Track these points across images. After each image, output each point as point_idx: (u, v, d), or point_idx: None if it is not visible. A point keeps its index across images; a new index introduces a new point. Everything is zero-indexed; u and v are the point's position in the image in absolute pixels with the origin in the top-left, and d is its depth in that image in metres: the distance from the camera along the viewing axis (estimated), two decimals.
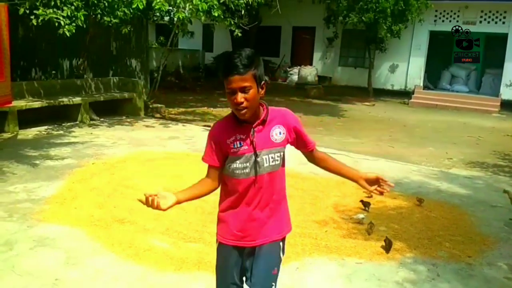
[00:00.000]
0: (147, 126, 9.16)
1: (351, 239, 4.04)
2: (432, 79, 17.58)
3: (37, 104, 8.16)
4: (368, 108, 14.16)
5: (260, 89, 1.93)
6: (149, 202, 1.95)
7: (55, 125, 8.45)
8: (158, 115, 10.55)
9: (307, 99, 15.39)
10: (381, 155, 7.55)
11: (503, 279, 3.50)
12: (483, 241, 4.18)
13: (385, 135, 9.61)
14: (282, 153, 2.05)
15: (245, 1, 8.96)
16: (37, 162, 6.03)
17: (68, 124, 8.68)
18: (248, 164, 2.00)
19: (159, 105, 11.03)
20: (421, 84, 16.80)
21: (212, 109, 12.19)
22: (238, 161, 2.00)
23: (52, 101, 8.42)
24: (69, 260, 3.44)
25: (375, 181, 2.12)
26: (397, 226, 4.40)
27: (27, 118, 7.97)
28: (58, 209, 4.42)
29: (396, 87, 17.30)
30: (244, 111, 1.90)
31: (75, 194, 4.82)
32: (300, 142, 2.12)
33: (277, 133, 2.02)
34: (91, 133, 8.05)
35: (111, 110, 9.88)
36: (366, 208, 4.69)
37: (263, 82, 1.95)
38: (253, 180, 2.02)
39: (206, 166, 2.12)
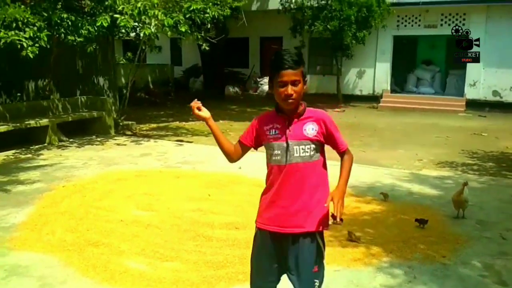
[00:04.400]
0: (118, 144, 9.03)
1: (328, 247, 4.00)
2: (398, 82, 17.98)
3: (3, 128, 7.94)
4: (338, 114, 14.34)
5: (304, 85, 2.20)
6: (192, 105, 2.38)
7: (23, 149, 8.23)
8: (129, 132, 10.42)
9: None
10: (353, 160, 7.62)
11: (477, 277, 3.58)
12: (456, 240, 4.27)
13: (356, 140, 9.73)
14: (313, 146, 2.24)
15: (211, 15, 8.98)
16: (6, 188, 5.86)
17: (37, 147, 8.48)
18: (280, 151, 2.24)
19: (129, 122, 10.90)
20: (389, 88, 17.14)
21: (184, 123, 12.12)
22: (272, 147, 2.26)
23: (18, 124, 8.22)
24: None
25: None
26: (373, 231, 4.45)
27: None
28: (29, 236, 4.30)
29: (364, 92, 17.60)
30: (291, 101, 2.17)
31: (46, 219, 4.70)
32: (330, 142, 2.32)
33: (310, 129, 2.24)
34: (60, 155, 7.88)
35: (80, 130, 9.71)
36: (338, 221, 4.62)
37: (306, 78, 2.24)
38: (284, 167, 2.23)
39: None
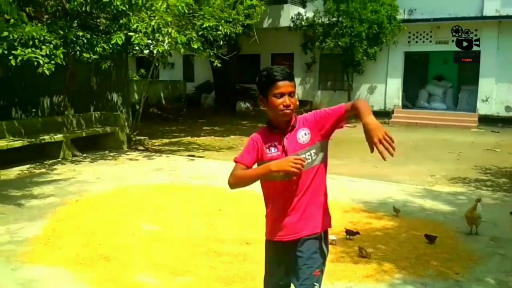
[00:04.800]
0: (130, 159, 9.11)
1: (340, 263, 4.04)
2: (410, 98, 17.94)
3: (18, 143, 8.07)
4: (349, 129, 14.20)
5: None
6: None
7: (37, 164, 8.34)
8: (141, 148, 10.51)
9: None
10: (365, 175, 7.61)
11: None
12: (470, 256, 4.22)
13: (368, 156, 9.64)
14: (313, 151, 2.24)
15: (223, 33, 9.11)
16: (20, 202, 5.94)
17: (51, 161, 8.58)
18: None
19: (142, 137, 11.01)
20: (400, 104, 17.11)
21: (196, 138, 12.20)
22: None
23: (33, 139, 8.34)
24: None
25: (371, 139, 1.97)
26: (385, 247, 4.42)
27: (9, 158, 7.88)
28: (43, 250, 4.34)
29: (375, 108, 17.54)
30: (289, 111, 2.18)
31: (59, 234, 4.75)
32: (335, 121, 2.22)
33: (303, 135, 2.24)
34: (74, 170, 7.97)
35: (93, 145, 9.83)
36: (351, 237, 4.61)
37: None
38: (288, 182, 2.22)
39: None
